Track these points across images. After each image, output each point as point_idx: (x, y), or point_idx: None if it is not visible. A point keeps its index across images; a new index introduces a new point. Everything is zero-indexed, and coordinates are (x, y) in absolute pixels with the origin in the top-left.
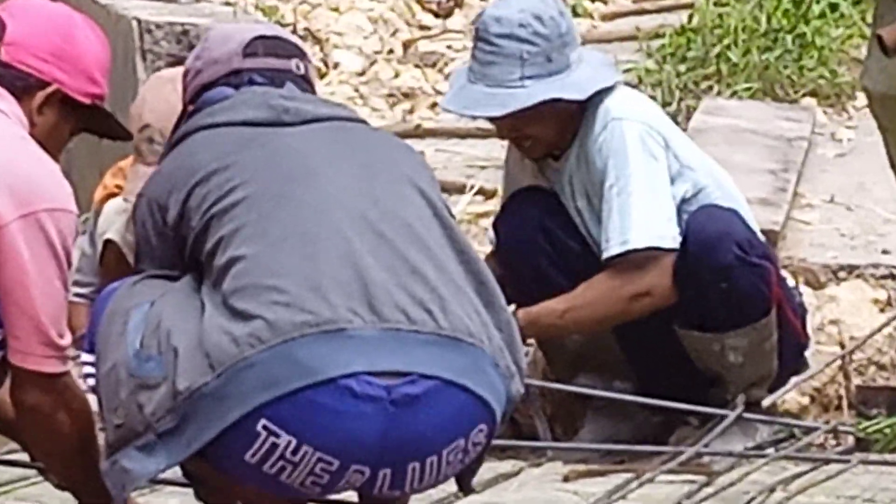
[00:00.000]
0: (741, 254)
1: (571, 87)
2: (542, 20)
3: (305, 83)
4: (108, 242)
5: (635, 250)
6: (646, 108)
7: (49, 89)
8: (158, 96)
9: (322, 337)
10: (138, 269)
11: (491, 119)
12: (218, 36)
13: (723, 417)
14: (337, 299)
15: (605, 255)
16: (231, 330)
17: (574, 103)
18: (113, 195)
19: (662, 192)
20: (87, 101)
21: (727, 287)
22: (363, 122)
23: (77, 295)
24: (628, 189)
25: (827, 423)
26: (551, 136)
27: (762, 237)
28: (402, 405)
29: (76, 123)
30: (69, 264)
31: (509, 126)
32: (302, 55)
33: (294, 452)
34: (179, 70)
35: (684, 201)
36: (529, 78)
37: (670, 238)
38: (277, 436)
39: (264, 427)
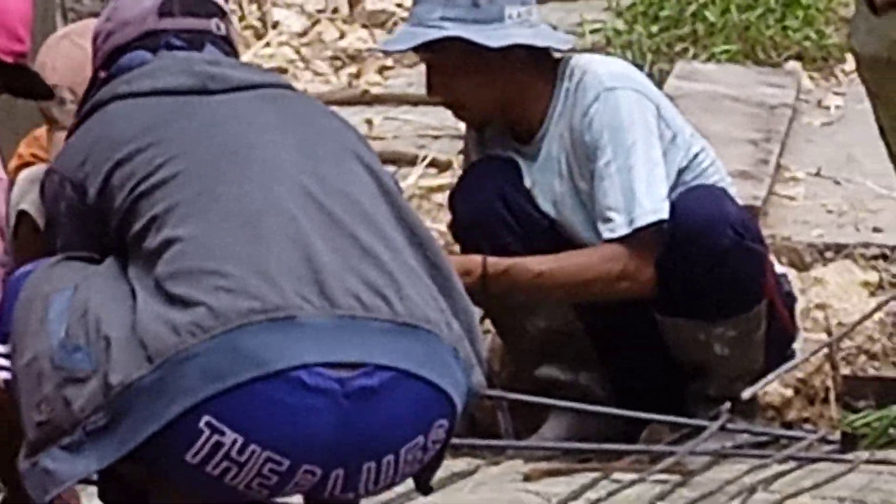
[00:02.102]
0: (736, 237)
1: (490, 36)
2: None
3: (226, 44)
4: (21, 214)
5: (642, 228)
6: (634, 74)
7: None
8: (57, 55)
9: (270, 325)
10: (50, 249)
11: (427, 77)
12: None
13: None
14: (285, 284)
15: (611, 236)
16: (170, 318)
17: (499, 58)
18: (28, 165)
19: (660, 167)
20: (10, 59)
21: (720, 273)
22: (292, 88)
23: None
24: (629, 163)
25: (808, 420)
26: (486, 104)
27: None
28: (357, 399)
29: None
30: (2, 233)
31: (437, 83)
32: (221, 14)
33: (240, 452)
34: (73, 26)
35: (681, 171)
36: (450, 20)
37: (667, 211)
38: (222, 433)
39: (208, 424)
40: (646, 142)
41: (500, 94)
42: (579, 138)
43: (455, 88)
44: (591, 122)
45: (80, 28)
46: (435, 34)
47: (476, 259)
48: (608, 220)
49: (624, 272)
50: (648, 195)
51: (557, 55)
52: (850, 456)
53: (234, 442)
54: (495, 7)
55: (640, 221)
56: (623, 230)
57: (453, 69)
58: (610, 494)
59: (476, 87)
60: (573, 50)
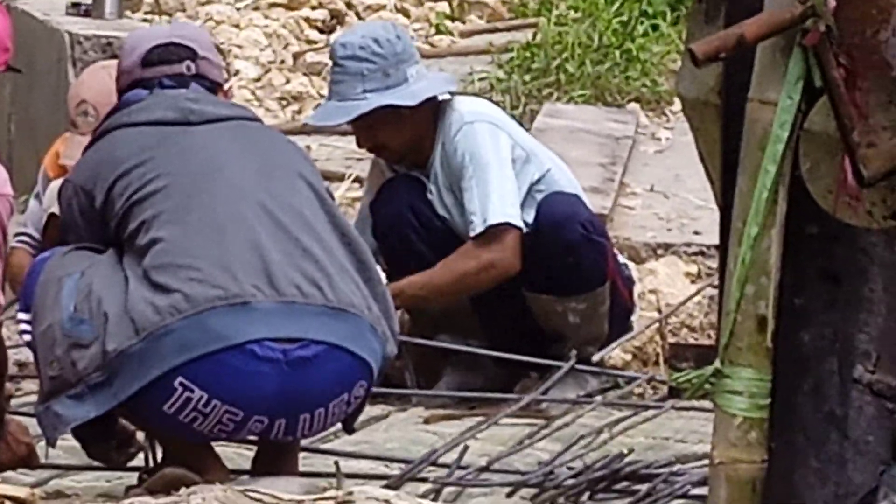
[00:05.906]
0: (585, 233)
1: (405, 96)
2: (380, 42)
3: (203, 79)
4: (52, 216)
5: (493, 225)
6: (491, 110)
7: None
8: (94, 78)
9: (230, 309)
10: (63, 240)
11: (354, 132)
12: (127, 46)
13: (559, 368)
14: (243, 277)
15: (472, 234)
16: (153, 301)
17: (410, 109)
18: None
19: (510, 181)
20: (2, 68)
21: (572, 260)
22: (257, 119)
23: (22, 241)
24: (485, 178)
25: (646, 374)
26: (403, 143)
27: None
28: (296, 366)
29: None
30: (5, 241)
31: (364, 136)
32: (193, 56)
33: (205, 405)
34: (112, 62)
35: (534, 183)
36: (370, 91)
37: (517, 218)
38: (192, 391)
39: (180, 384)
40: (498, 162)
41: (410, 135)
42: (450, 162)
43: (379, 138)
44: (456, 149)
45: (116, 64)
46: (366, 106)
47: None
48: (470, 222)
49: (483, 263)
50: (500, 201)
51: (440, 98)
52: (674, 402)
53: (201, 398)
54: (400, 72)
55: (492, 220)
56: (480, 228)
57: (375, 124)
58: (492, 434)
59: (394, 134)
60: (454, 92)
